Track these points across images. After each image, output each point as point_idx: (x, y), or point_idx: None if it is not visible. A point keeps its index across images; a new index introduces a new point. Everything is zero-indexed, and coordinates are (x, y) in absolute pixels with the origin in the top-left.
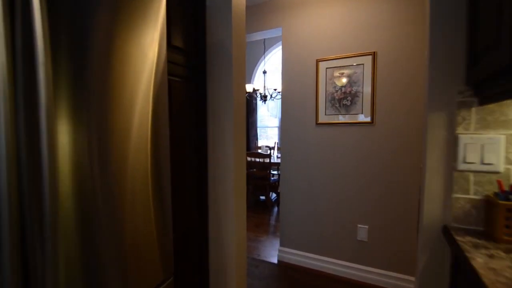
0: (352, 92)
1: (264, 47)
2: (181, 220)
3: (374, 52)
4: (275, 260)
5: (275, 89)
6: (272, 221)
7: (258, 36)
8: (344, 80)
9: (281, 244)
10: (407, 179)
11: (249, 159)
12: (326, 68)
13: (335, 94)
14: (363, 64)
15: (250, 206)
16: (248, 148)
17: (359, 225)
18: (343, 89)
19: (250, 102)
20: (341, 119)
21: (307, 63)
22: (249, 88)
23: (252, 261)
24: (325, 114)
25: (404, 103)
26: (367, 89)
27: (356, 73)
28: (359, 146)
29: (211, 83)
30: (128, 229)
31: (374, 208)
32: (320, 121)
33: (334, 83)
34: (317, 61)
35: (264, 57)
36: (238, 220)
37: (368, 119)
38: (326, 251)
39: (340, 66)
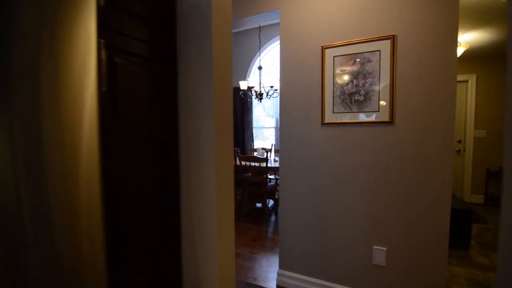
0: (366, 84)
1: (260, 40)
2: (136, 252)
3: (393, 36)
4: (273, 285)
5: (271, 87)
6: (270, 232)
7: (252, 21)
8: (356, 70)
9: (281, 266)
10: (437, 191)
11: (243, 163)
12: (334, 56)
13: (345, 88)
14: (379, 50)
15: (245, 215)
16: (244, 150)
17: (375, 247)
18: (354, 81)
19: (245, 101)
20: (353, 117)
21: (311, 50)
22: (243, 85)
23: (247, 287)
24: (333, 112)
25: (433, 97)
26: (385, 81)
27: (371, 61)
28: (375, 150)
29: (183, 66)
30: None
31: (395, 226)
32: (326, 120)
33: (344, 74)
34: (323, 48)
35: (260, 53)
36: (222, 258)
37: (387, 118)
38: (335, 277)
39: (351, 54)
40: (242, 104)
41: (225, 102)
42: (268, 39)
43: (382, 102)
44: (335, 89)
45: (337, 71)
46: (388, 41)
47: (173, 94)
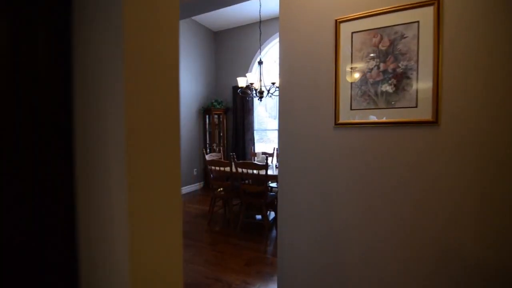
0: (399, 70)
1: (260, 31)
2: None
3: (438, 0)
4: None
5: (273, 83)
6: (269, 253)
7: None
8: (384, 50)
9: None
10: (506, 220)
11: (240, 170)
12: (352, 32)
13: (367, 75)
14: (417, 21)
15: (242, 230)
16: (244, 154)
17: None
18: (381, 66)
19: (245, 101)
20: (379, 116)
21: (320, 25)
22: (241, 82)
23: None
24: (351, 109)
25: (499, 90)
26: (426, 65)
27: (405, 37)
28: (412, 161)
29: (82, 12)
30: None
31: (442, 278)
32: (341, 120)
33: (366, 56)
34: (337, 22)
35: (260, 47)
36: None
37: (428, 116)
38: None
39: (376, 28)
40: (242, 103)
41: (151, 75)
42: (270, 35)
43: (422, 95)
44: (353, 76)
45: (357, 52)
46: (431, 8)
47: (63, 65)
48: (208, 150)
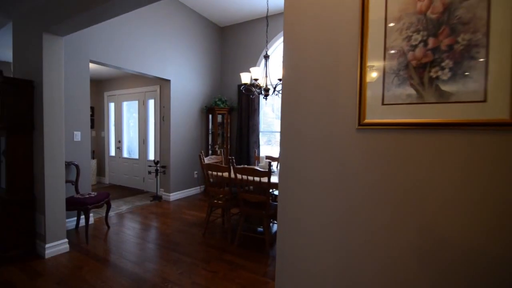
0: (457, 47)
1: (267, 22)
2: None
3: None
4: None
5: (280, 80)
6: (269, 275)
7: None
8: (434, 19)
9: None
10: None
11: (239, 176)
12: None
13: (409, 55)
14: None
15: (239, 245)
16: (247, 158)
17: None
18: (430, 41)
19: (251, 100)
20: (426, 113)
21: None
22: (245, 78)
23: None
24: (383, 104)
25: None
26: (501, 40)
27: (466, 0)
28: (474, 180)
29: None
30: None
31: None
32: (369, 119)
33: (407, 28)
34: None
35: (267, 39)
36: None
37: (504, 115)
38: None
39: None
40: (247, 103)
41: None
42: (278, 31)
43: (495, 83)
44: (388, 57)
45: (393, 22)
46: None
47: None
48: (210, 152)
